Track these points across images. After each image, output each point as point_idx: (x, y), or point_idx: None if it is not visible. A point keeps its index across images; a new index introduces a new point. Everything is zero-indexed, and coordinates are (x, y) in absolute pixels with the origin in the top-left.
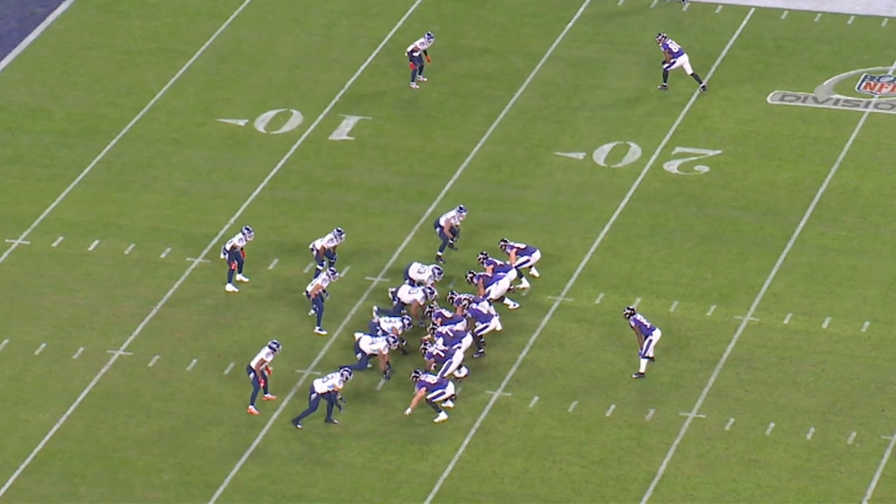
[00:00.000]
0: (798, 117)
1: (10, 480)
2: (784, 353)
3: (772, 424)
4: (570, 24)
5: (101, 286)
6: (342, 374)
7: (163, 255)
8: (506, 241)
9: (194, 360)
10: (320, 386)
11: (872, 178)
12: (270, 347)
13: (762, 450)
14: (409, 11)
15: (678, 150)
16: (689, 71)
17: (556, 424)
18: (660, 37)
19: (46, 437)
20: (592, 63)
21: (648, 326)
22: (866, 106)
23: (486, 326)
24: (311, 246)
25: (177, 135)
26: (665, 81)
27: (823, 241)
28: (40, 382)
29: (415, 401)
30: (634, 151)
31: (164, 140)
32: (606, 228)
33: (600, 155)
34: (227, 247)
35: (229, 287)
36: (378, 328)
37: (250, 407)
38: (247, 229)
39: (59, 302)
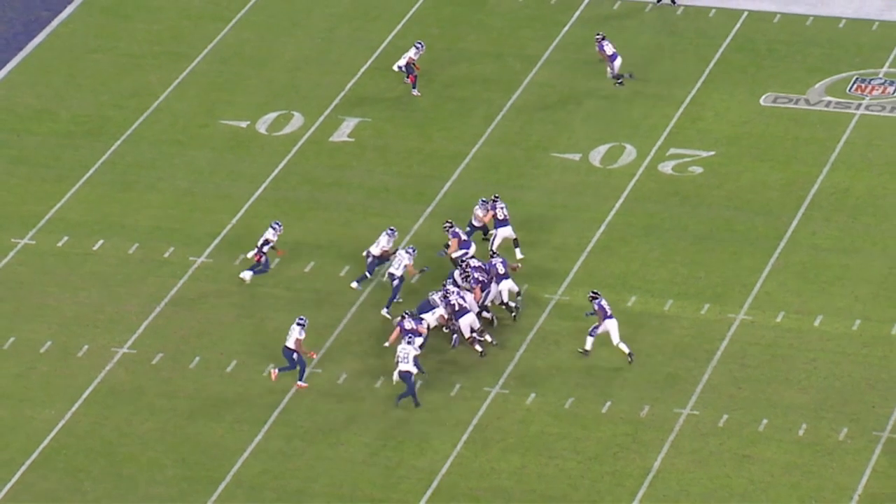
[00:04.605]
0: (790, 119)
1: (16, 476)
2: (777, 350)
3: (764, 421)
4: (567, 28)
5: (106, 285)
6: (409, 342)
7: (166, 255)
8: (451, 224)
9: (197, 358)
10: (407, 366)
11: (863, 178)
12: (299, 324)
13: (755, 446)
14: (409, 15)
15: (672, 151)
16: (614, 72)
17: (552, 421)
18: (598, 36)
19: (51, 434)
20: (588, 66)
21: (608, 314)
22: (857, 108)
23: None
24: (364, 253)
25: (180, 136)
26: (619, 77)
27: (815, 241)
28: (45, 380)
29: (392, 337)
30: (629, 152)
31: (167, 141)
32: (602, 228)
33: (596, 156)
34: (259, 243)
35: (245, 274)
36: (432, 303)
37: (299, 382)
38: (277, 223)
39: (65, 300)
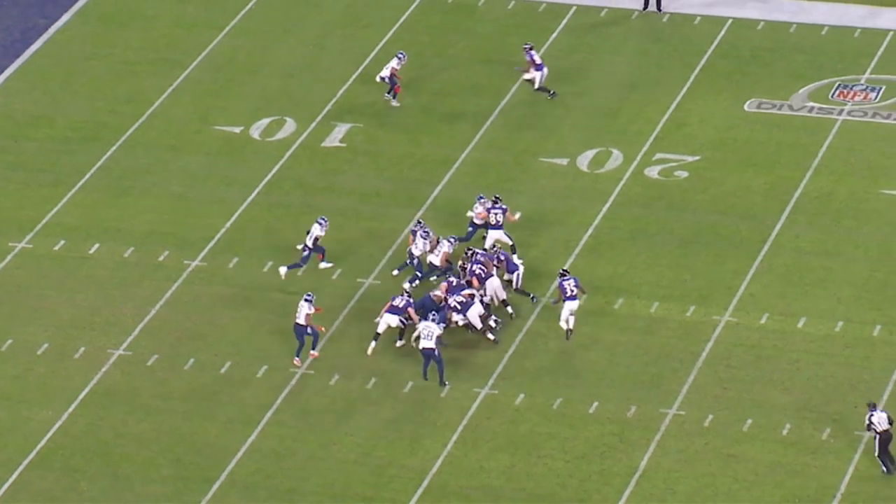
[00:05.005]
0: (774, 124)
1: (14, 476)
2: (761, 352)
3: (749, 421)
4: (555, 35)
5: (102, 288)
6: (433, 319)
7: (161, 258)
8: (421, 223)
9: (191, 360)
10: (429, 343)
11: (845, 182)
12: (307, 300)
13: (740, 445)
14: (399, 22)
15: (658, 156)
16: (539, 85)
17: (541, 421)
18: (527, 46)
19: (48, 434)
20: (576, 72)
21: (568, 295)
22: (839, 113)
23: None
24: (413, 256)
25: (174, 142)
26: (550, 91)
27: (798, 244)
28: (42, 381)
29: (384, 308)
30: (616, 157)
31: (162, 147)
32: (589, 232)
33: (583, 161)
34: (310, 243)
35: (323, 265)
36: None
37: (312, 351)
38: (323, 219)
39: (61, 303)
